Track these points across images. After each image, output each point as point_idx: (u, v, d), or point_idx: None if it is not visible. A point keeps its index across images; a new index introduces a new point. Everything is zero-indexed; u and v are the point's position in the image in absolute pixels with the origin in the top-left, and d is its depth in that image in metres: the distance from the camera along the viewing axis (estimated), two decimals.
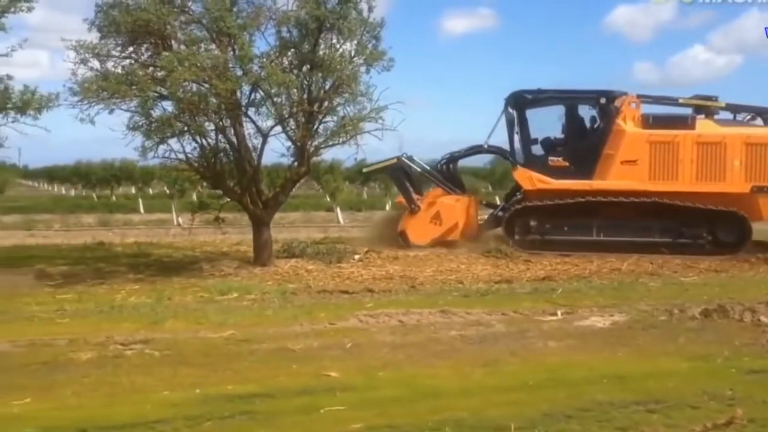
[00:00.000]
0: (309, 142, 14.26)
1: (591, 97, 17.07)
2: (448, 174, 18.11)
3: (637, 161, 16.26)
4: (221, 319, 9.78)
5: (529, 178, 16.78)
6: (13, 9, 13.47)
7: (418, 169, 17.81)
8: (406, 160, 17.63)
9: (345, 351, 8.13)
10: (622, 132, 16.43)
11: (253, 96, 13.81)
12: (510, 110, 17.02)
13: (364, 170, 17.12)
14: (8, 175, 29.80)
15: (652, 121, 16.51)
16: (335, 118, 14.22)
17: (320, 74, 13.79)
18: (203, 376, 7.13)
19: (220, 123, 14.20)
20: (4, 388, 6.65)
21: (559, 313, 10.04)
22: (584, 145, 16.87)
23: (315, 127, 14.17)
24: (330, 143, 14.51)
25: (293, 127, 14.07)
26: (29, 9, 13.59)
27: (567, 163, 16.69)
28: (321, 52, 13.69)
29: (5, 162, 27.83)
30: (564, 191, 16.46)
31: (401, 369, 7.43)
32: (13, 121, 13.96)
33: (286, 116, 13.89)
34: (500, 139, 17.77)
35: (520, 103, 17.07)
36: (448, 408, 6.07)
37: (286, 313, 10.33)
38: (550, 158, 16.88)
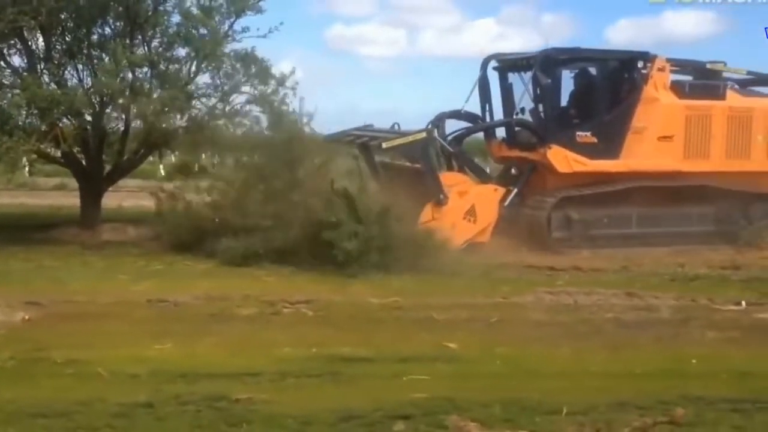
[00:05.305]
0: None
1: (626, 58, 14.02)
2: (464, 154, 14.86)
3: (674, 137, 13.70)
4: (403, 287, 9.93)
5: (564, 159, 13.46)
6: None
7: (448, 147, 14.03)
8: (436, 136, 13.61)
9: (486, 325, 8.19)
10: (655, 102, 13.78)
11: None
12: (539, 73, 13.45)
13: (384, 145, 12.88)
14: None
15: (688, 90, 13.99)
16: None
17: None
18: (333, 337, 7.53)
19: None
20: (158, 333, 7.47)
21: (743, 303, 9.18)
22: (611, 118, 13.77)
23: None
24: None
25: None
26: None
27: (595, 139, 13.55)
28: None
29: None
30: (600, 174, 13.58)
31: (524, 347, 7.34)
32: None
33: None
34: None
35: (552, 64, 13.69)
36: (527, 388, 5.99)
37: (473, 285, 10.34)
38: (577, 133, 13.61)
